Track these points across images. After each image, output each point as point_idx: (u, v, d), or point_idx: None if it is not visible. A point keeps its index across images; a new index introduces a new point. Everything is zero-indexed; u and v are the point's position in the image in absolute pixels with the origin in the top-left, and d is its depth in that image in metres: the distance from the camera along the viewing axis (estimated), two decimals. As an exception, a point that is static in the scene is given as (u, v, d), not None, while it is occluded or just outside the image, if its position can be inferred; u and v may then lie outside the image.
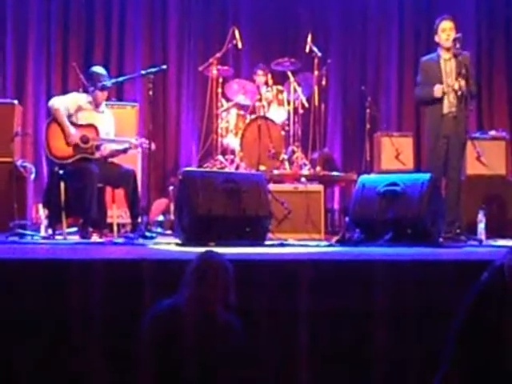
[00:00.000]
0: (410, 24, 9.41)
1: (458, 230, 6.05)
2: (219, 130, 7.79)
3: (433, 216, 5.58)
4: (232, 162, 7.68)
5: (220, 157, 7.68)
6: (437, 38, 6.30)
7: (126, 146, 6.31)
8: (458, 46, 6.14)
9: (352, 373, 3.75)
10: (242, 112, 7.92)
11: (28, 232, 6.13)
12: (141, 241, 5.71)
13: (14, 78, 8.60)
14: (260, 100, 7.94)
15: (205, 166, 7.69)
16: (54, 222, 6.16)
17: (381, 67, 9.37)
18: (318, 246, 5.71)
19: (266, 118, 7.63)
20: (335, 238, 6.12)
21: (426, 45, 8.49)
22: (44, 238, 6.05)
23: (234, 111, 7.90)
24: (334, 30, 9.36)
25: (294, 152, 7.75)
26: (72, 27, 8.79)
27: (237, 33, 7.83)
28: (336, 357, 3.74)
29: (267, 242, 5.60)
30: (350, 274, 3.90)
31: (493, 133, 8.09)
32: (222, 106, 7.91)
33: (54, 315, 3.57)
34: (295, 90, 7.88)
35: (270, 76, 8.13)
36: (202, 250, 3.28)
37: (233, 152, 7.76)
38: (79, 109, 6.20)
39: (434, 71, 6.25)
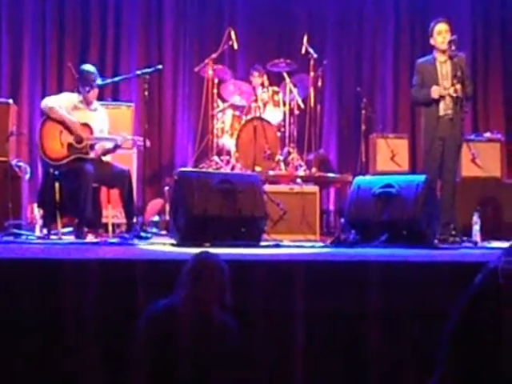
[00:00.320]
0: (406, 25, 9.43)
1: (452, 232, 6.06)
2: (215, 131, 7.79)
3: (428, 218, 5.58)
4: (227, 162, 7.68)
5: (215, 157, 7.68)
6: (432, 41, 6.31)
7: (117, 140, 6.27)
8: (453, 48, 6.15)
9: (346, 374, 3.75)
10: (237, 113, 7.92)
11: (23, 232, 6.12)
12: (136, 241, 5.70)
13: (9, 78, 8.58)
14: (256, 101, 7.94)
15: (200, 166, 7.69)
16: (48, 221, 6.15)
17: (376, 68, 9.38)
18: (313, 247, 5.71)
19: (262, 119, 7.63)
20: (330, 239, 6.12)
21: (422, 46, 8.50)
22: (39, 237, 6.03)
23: (229, 112, 7.90)
24: (329, 31, 9.36)
25: (289, 153, 7.76)
26: (67, 27, 8.78)
27: (233, 34, 7.83)
28: (331, 358, 3.74)
29: (262, 243, 5.59)
30: (345, 275, 3.90)
31: (488, 135, 8.11)
32: (218, 106, 7.91)
33: (49, 315, 3.56)
34: (291, 91, 7.88)
35: (265, 77, 8.13)
36: (198, 250, 3.28)
37: (228, 153, 7.76)
38: (72, 108, 6.19)
39: (430, 74, 6.26)
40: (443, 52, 6.23)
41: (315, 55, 7.78)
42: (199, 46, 8.99)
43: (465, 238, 6.21)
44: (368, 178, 6.51)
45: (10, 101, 7.27)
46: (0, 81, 8.54)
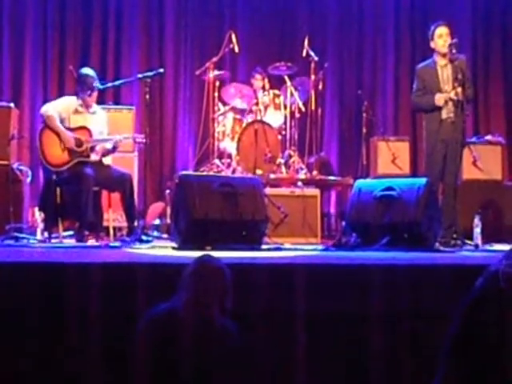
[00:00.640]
0: (406, 29, 9.43)
1: (454, 235, 6.05)
2: (216, 134, 7.80)
3: (429, 221, 5.58)
4: (228, 165, 7.68)
5: (216, 161, 7.68)
6: (432, 44, 6.30)
7: (116, 139, 6.28)
8: (454, 51, 6.15)
9: (348, 377, 3.75)
10: (238, 116, 7.92)
11: (24, 235, 6.12)
12: (137, 244, 5.70)
13: (10, 81, 8.59)
14: (257, 104, 7.94)
15: (201, 169, 7.69)
16: (49, 225, 6.16)
17: (377, 71, 9.39)
18: (314, 250, 5.71)
19: (263, 122, 7.63)
20: (331, 243, 6.12)
21: (422, 50, 8.49)
22: (40, 241, 6.03)
23: (230, 115, 7.90)
24: (330, 34, 9.37)
25: (290, 156, 7.76)
26: (69, 31, 8.79)
27: (233, 37, 7.84)
28: (332, 360, 3.74)
29: (264, 246, 5.59)
30: (347, 278, 3.90)
31: (489, 137, 8.10)
32: (219, 109, 7.91)
33: (50, 318, 3.56)
34: (292, 94, 7.88)
35: (266, 80, 8.13)
36: (199, 253, 3.28)
37: (229, 156, 7.76)
38: (71, 112, 6.21)
39: (432, 78, 6.25)
40: (444, 55, 6.23)
41: (316, 58, 7.78)
42: (200, 50, 9.00)
43: (466, 241, 6.20)
44: (369, 180, 6.52)
45: (12, 104, 7.28)
46: (1, 84, 8.55)
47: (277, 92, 8.03)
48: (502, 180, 7.82)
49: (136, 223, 6.17)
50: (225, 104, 8.05)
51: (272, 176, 7.38)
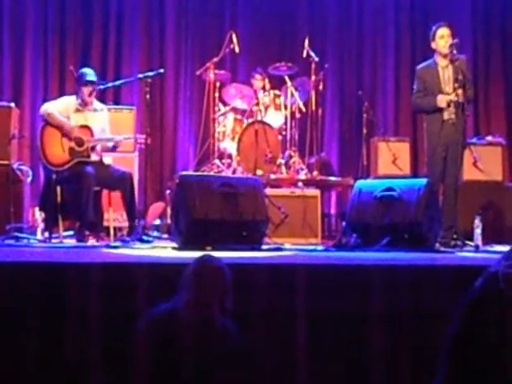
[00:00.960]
0: (407, 29, 9.43)
1: (454, 236, 6.05)
2: (216, 134, 7.80)
3: (429, 221, 5.58)
4: (229, 166, 7.68)
5: (217, 161, 7.68)
6: (434, 45, 6.30)
7: (116, 138, 6.28)
8: (454, 52, 6.15)
9: (349, 377, 3.75)
10: (239, 116, 7.92)
11: (24, 235, 6.13)
12: (137, 244, 5.71)
13: (11, 81, 8.59)
14: (257, 104, 7.94)
15: (202, 170, 7.69)
16: (50, 225, 6.16)
17: (378, 72, 9.39)
18: (314, 250, 5.71)
19: (263, 123, 7.64)
20: (332, 243, 6.12)
21: (423, 50, 8.50)
22: (40, 241, 6.03)
23: (231, 115, 7.90)
24: (331, 35, 9.37)
25: (290, 156, 7.76)
26: (69, 31, 8.79)
27: (234, 37, 7.84)
28: (332, 361, 3.74)
29: (264, 247, 5.59)
30: (347, 278, 3.90)
31: (489, 138, 8.10)
32: (219, 110, 7.91)
33: (51, 318, 3.56)
34: (292, 95, 7.88)
35: (267, 80, 8.13)
36: (199, 254, 3.28)
37: (230, 156, 7.76)
38: (71, 111, 6.21)
39: (433, 79, 6.25)
40: (445, 56, 6.22)
41: (316, 59, 7.79)
42: (201, 50, 9.00)
43: (466, 242, 6.20)
44: (369, 181, 6.52)
45: (12, 104, 7.28)
46: (2, 84, 8.55)
47: (277, 92, 8.03)
48: (503, 181, 7.82)
49: (136, 223, 6.17)
50: (225, 104, 8.05)
51: (272, 176, 7.38)
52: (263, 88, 8.10)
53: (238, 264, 3.73)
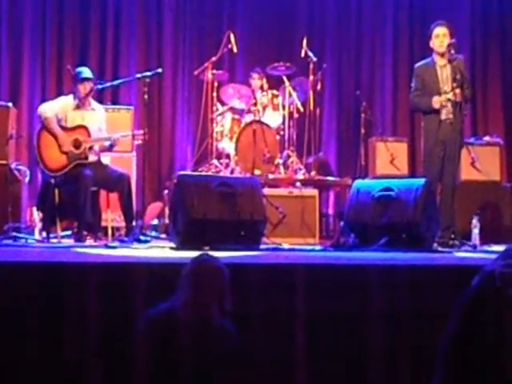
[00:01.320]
0: (405, 29, 9.44)
1: (452, 236, 6.06)
2: (214, 134, 7.79)
3: (427, 221, 5.58)
4: (227, 166, 7.68)
5: (215, 161, 7.68)
6: (431, 44, 6.32)
7: (115, 137, 6.28)
8: (452, 51, 6.16)
9: (348, 376, 3.75)
10: (237, 116, 7.92)
11: (22, 235, 6.12)
12: (135, 245, 5.71)
13: (8, 81, 8.58)
14: (255, 104, 7.94)
15: (200, 169, 7.69)
16: (48, 225, 6.16)
17: (376, 72, 9.40)
18: (312, 250, 5.71)
19: (261, 123, 7.63)
20: (330, 243, 6.12)
21: (421, 50, 8.51)
22: (38, 241, 6.03)
23: (229, 115, 7.90)
24: (329, 35, 9.38)
25: (289, 156, 7.76)
26: (67, 30, 8.78)
27: (232, 37, 7.84)
28: (331, 361, 3.74)
29: (262, 247, 5.59)
30: (345, 278, 3.90)
31: (487, 138, 8.11)
32: (217, 110, 7.91)
33: (49, 318, 3.56)
34: (290, 95, 7.89)
35: (265, 80, 8.13)
36: (197, 253, 3.28)
37: (228, 156, 7.76)
38: (68, 111, 6.20)
39: (431, 77, 6.26)
40: (442, 55, 6.23)
41: (314, 59, 7.78)
42: (198, 50, 9.00)
43: (464, 242, 6.21)
44: (367, 181, 6.52)
45: (10, 104, 7.27)
46: (0, 84, 8.55)
47: (275, 92, 8.03)
48: (501, 181, 7.83)
49: (134, 223, 6.17)
50: (223, 104, 8.05)
51: (270, 176, 7.38)
52: (261, 88, 8.10)
53: (235, 264, 3.73)
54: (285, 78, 8.02)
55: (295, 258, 4.89)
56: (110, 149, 6.37)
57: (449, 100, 6.12)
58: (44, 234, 6.13)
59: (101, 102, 6.97)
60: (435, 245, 5.75)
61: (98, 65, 8.58)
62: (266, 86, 8.09)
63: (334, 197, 8.92)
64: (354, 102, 8.69)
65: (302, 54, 7.84)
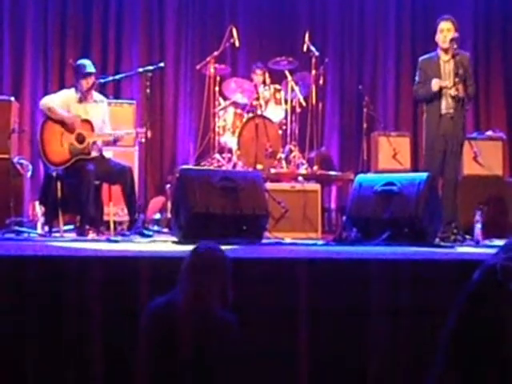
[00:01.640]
0: (407, 24, 9.42)
1: (454, 230, 6.05)
2: (216, 129, 7.79)
3: (429, 216, 5.58)
4: (229, 160, 7.68)
5: (217, 155, 7.68)
6: (436, 38, 6.31)
7: (118, 134, 6.28)
8: (455, 46, 6.15)
9: (349, 370, 3.76)
10: (239, 111, 7.91)
11: (24, 229, 6.12)
12: (137, 238, 5.71)
13: (11, 75, 8.58)
14: (257, 99, 7.93)
15: (202, 164, 7.69)
16: (50, 219, 6.16)
17: (378, 66, 9.38)
18: (314, 244, 5.71)
19: (264, 117, 7.63)
20: (332, 237, 6.12)
21: (424, 44, 8.50)
22: (40, 235, 6.04)
23: (231, 110, 7.89)
24: (331, 29, 9.36)
25: (291, 151, 7.75)
26: (69, 24, 8.77)
27: (234, 31, 7.83)
28: (332, 354, 3.74)
29: (264, 241, 5.59)
30: (347, 272, 3.90)
31: (490, 133, 8.10)
32: (220, 104, 7.90)
33: (51, 312, 3.56)
34: (292, 89, 7.87)
35: (267, 75, 8.13)
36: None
37: (230, 151, 7.76)
38: (70, 105, 6.19)
39: (433, 71, 6.25)
40: (446, 50, 6.22)
41: (317, 53, 7.77)
42: (201, 44, 8.99)
43: (466, 237, 6.21)
44: (370, 176, 6.51)
45: (12, 98, 7.26)
46: (2, 78, 8.54)
47: (277, 87, 8.02)
48: (503, 176, 7.82)
49: (137, 216, 6.17)
50: (225, 99, 8.04)
51: (272, 171, 7.38)
52: (263, 82, 8.09)
53: (238, 258, 3.73)
54: (287, 72, 8.00)
55: (297, 253, 4.89)
56: (113, 143, 6.37)
57: (450, 95, 6.11)
58: (46, 228, 6.13)
59: (103, 95, 6.95)
60: (437, 239, 5.74)
61: (100, 59, 8.57)
62: (268, 81, 8.08)
63: (336, 191, 8.91)
64: (357, 96, 8.69)
65: (305, 49, 7.82)
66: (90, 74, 6.23)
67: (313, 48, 7.78)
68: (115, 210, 6.74)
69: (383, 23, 9.40)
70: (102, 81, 6.55)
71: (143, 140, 6.31)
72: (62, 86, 8.01)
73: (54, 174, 6.07)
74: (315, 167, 7.66)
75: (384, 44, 9.39)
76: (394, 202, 5.62)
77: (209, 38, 8.94)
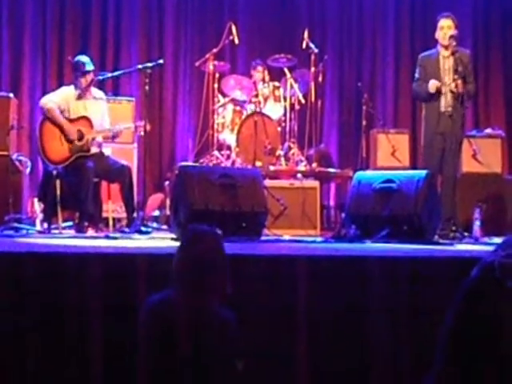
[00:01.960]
0: (406, 21, 9.43)
1: (453, 228, 6.06)
2: (215, 126, 7.79)
3: (428, 213, 5.58)
4: (228, 157, 7.67)
5: (216, 152, 7.67)
6: (436, 35, 6.32)
7: (117, 129, 6.28)
8: (454, 43, 6.15)
9: (349, 369, 3.76)
10: (238, 108, 7.91)
11: (23, 226, 6.12)
12: (136, 235, 5.71)
13: (9, 71, 8.57)
14: (256, 96, 7.93)
15: (201, 161, 7.69)
16: (49, 215, 6.16)
17: (377, 64, 9.38)
18: (313, 242, 5.71)
19: (263, 114, 7.63)
20: (331, 234, 6.12)
21: (423, 41, 8.52)
22: (39, 231, 6.03)
23: (230, 107, 7.89)
24: (330, 27, 9.37)
25: (290, 148, 7.75)
26: (68, 21, 8.77)
27: (233, 28, 7.82)
28: (332, 352, 3.74)
29: (263, 238, 5.59)
30: (346, 269, 3.90)
31: (489, 131, 8.10)
32: (219, 101, 7.90)
33: (50, 309, 3.56)
34: (292, 86, 7.86)
35: (266, 72, 8.12)
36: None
37: (229, 148, 7.75)
38: (70, 102, 6.19)
39: (432, 67, 6.26)
40: (446, 47, 6.23)
41: (316, 50, 7.76)
42: (200, 41, 8.99)
43: (465, 234, 6.21)
44: (369, 173, 6.51)
45: (11, 94, 7.26)
46: (0, 75, 8.53)
47: (276, 84, 8.02)
48: (502, 173, 7.82)
49: (135, 214, 6.17)
50: (224, 96, 8.04)
51: (271, 168, 7.38)
52: (263, 79, 8.08)
53: (237, 255, 3.73)
54: (286, 69, 8.00)
55: (296, 250, 4.90)
56: (112, 139, 6.37)
57: (450, 91, 6.11)
58: (45, 224, 6.13)
59: (102, 92, 6.94)
60: (436, 237, 5.75)
61: (99, 56, 8.57)
62: (267, 78, 8.08)
63: (335, 188, 8.92)
64: (356, 93, 8.69)
65: (304, 46, 7.82)
66: (88, 71, 6.22)
67: (312, 45, 7.77)
68: (114, 207, 6.75)
69: (382, 20, 9.41)
70: (100, 77, 6.55)
71: (142, 133, 6.29)
72: (60, 83, 8.01)
73: (54, 172, 6.06)
74: (314, 164, 7.66)
75: (383, 41, 9.39)
76: (393, 199, 5.63)
77: (208, 34, 8.94)
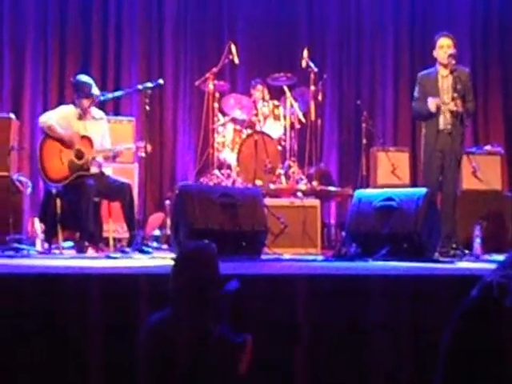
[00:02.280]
0: (405, 39, 9.48)
1: (453, 245, 6.05)
2: (216, 145, 7.80)
3: (428, 231, 5.58)
4: (228, 176, 7.68)
5: (216, 171, 7.68)
6: (435, 54, 6.34)
7: (118, 149, 6.30)
8: (453, 62, 6.17)
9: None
10: (238, 127, 7.93)
11: (24, 246, 6.12)
12: (137, 255, 5.71)
13: (10, 92, 8.61)
14: (256, 115, 7.95)
15: (201, 180, 7.69)
16: (49, 236, 6.16)
17: (376, 82, 9.41)
18: (314, 260, 5.71)
19: (263, 133, 7.65)
20: (331, 253, 6.12)
21: (422, 60, 8.55)
22: (40, 252, 6.03)
23: (230, 126, 7.91)
24: (329, 45, 9.41)
25: (290, 167, 7.76)
26: (69, 42, 8.82)
27: (233, 48, 7.85)
28: (332, 371, 3.73)
29: (263, 257, 5.59)
30: (347, 288, 3.90)
31: (488, 148, 8.11)
32: (219, 120, 7.92)
33: (51, 330, 3.56)
34: (291, 105, 7.89)
35: (266, 91, 8.15)
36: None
37: (229, 167, 7.77)
38: (70, 121, 6.20)
39: (431, 86, 6.28)
40: (445, 66, 6.25)
41: (315, 69, 7.79)
42: (199, 60, 9.02)
43: (466, 252, 6.20)
44: (369, 191, 6.51)
45: (12, 115, 7.28)
46: (1, 95, 8.56)
47: (276, 103, 8.05)
48: (502, 190, 7.83)
49: (136, 233, 6.17)
50: (224, 115, 8.06)
51: (272, 186, 7.38)
52: (262, 98, 8.11)
53: (237, 274, 3.72)
54: (286, 88, 8.02)
55: (297, 269, 4.89)
56: (113, 159, 6.39)
57: (449, 110, 6.13)
58: (46, 245, 6.13)
59: (102, 112, 6.97)
60: (437, 254, 5.74)
61: (99, 76, 8.59)
62: (267, 97, 8.11)
63: (335, 207, 8.92)
64: (355, 112, 8.71)
65: (303, 65, 7.84)
66: (92, 95, 6.25)
67: (311, 64, 7.80)
68: (114, 227, 6.75)
69: (381, 38, 9.45)
70: (101, 98, 6.57)
71: (143, 154, 6.30)
72: (61, 103, 8.03)
73: (54, 190, 6.07)
74: (314, 183, 7.66)
75: (382, 59, 9.43)
76: (393, 217, 5.63)
77: (208, 54, 8.98)
